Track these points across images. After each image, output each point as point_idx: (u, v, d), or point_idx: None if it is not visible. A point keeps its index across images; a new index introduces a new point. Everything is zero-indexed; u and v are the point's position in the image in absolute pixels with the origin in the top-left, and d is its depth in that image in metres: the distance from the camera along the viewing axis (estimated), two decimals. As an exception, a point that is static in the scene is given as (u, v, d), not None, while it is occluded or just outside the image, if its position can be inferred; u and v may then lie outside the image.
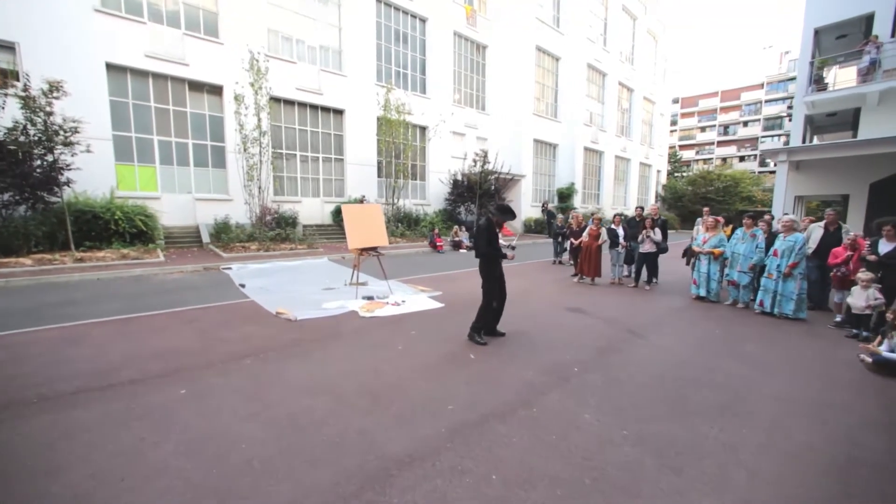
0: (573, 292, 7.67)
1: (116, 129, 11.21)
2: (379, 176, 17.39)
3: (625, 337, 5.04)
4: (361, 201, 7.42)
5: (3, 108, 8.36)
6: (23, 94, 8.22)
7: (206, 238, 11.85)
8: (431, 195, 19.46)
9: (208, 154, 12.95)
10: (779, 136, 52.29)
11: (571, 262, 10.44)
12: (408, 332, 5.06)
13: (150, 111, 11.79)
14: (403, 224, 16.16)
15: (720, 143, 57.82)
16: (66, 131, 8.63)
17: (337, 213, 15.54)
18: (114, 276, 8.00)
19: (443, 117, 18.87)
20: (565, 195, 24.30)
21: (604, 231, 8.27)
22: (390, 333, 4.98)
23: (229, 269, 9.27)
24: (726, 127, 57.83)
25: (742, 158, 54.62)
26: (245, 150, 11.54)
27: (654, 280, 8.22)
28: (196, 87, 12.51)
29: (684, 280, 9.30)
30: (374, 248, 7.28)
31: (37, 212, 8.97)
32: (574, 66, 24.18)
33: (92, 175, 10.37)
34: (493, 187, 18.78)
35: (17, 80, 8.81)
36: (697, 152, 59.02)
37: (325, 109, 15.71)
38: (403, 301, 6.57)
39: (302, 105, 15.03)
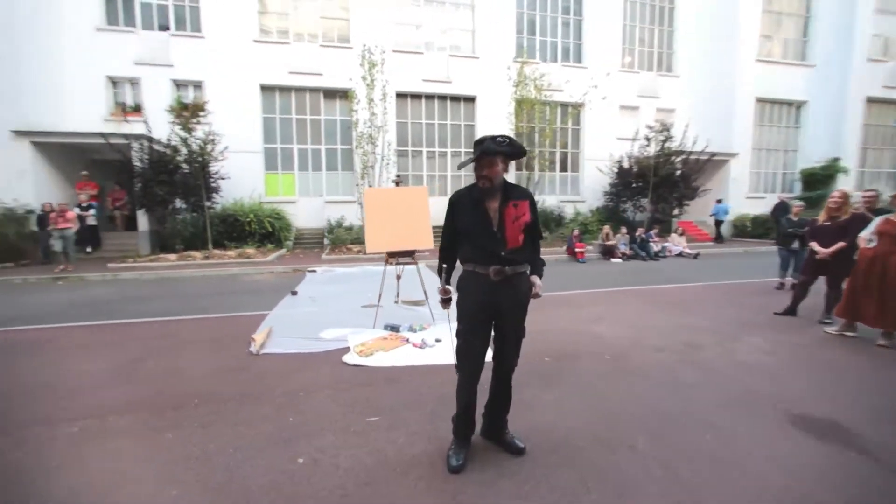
0: (851, 377, 3.22)
1: (267, 142, 12.63)
2: (518, 169, 14.70)
3: None
4: (397, 184, 4.94)
5: (183, 133, 9.79)
6: (181, 118, 9.57)
7: (327, 240, 12.03)
8: (587, 189, 15.37)
9: (338, 157, 13.32)
10: None
11: (791, 286, 5.21)
12: (367, 409, 2.62)
13: (291, 123, 12.86)
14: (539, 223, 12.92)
15: None
16: (206, 144, 9.74)
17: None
18: (213, 274, 8.33)
19: (594, 83, 14.38)
20: (820, 178, 15.50)
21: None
22: (336, 409, 2.65)
23: (314, 271, 8.64)
24: None
25: None
26: (359, 146, 11.10)
27: None
28: (329, 94, 13.02)
29: None
30: (409, 253, 4.88)
31: (198, 216, 10.56)
32: (843, -28, 15.21)
33: (246, 183, 11.83)
34: (678, 172, 13.27)
35: (203, 110, 10.38)
36: None
37: (455, 98, 14.20)
38: (438, 341, 3.98)
39: (429, 97, 13.95)
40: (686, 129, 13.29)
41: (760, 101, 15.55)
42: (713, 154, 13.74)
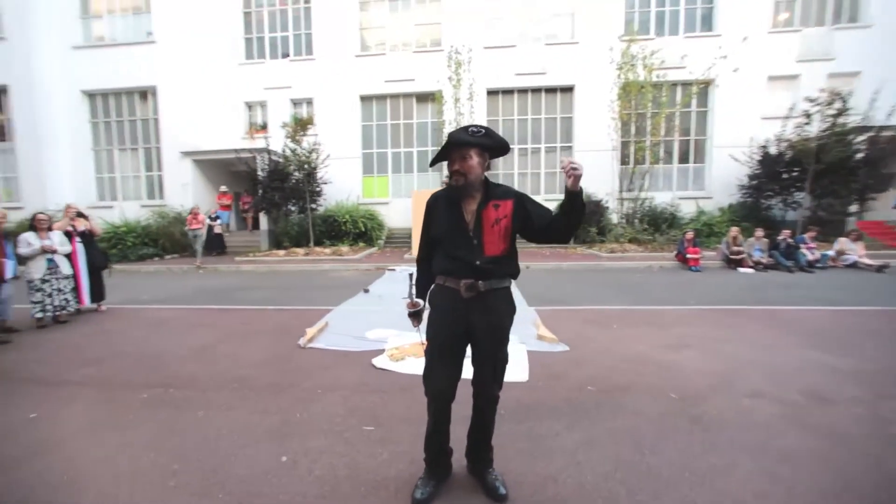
0: None
1: (364, 148, 13.69)
2: (624, 163, 12.97)
3: None
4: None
5: (292, 145, 11.29)
6: (293, 132, 11.00)
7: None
8: (715, 182, 12.73)
9: (428, 158, 13.61)
10: None
11: None
12: (367, 417, 2.53)
13: (386, 128, 13.69)
14: (644, 223, 11.17)
15: None
16: (309, 153, 10.99)
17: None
18: (310, 269, 9.31)
19: (724, 54, 11.70)
20: None
21: None
22: (341, 412, 2.60)
23: (392, 270, 8.99)
24: None
25: None
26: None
27: None
28: (421, 98, 13.43)
29: None
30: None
31: (304, 217, 12.00)
32: None
33: (347, 187, 13.05)
34: (857, 155, 9.99)
35: (312, 123, 11.92)
36: None
37: (550, 90, 13.23)
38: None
39: (522, 91, 13.28)
40: (875, 98, 9.91)
41: None
42: (923, 128, 9.96)
